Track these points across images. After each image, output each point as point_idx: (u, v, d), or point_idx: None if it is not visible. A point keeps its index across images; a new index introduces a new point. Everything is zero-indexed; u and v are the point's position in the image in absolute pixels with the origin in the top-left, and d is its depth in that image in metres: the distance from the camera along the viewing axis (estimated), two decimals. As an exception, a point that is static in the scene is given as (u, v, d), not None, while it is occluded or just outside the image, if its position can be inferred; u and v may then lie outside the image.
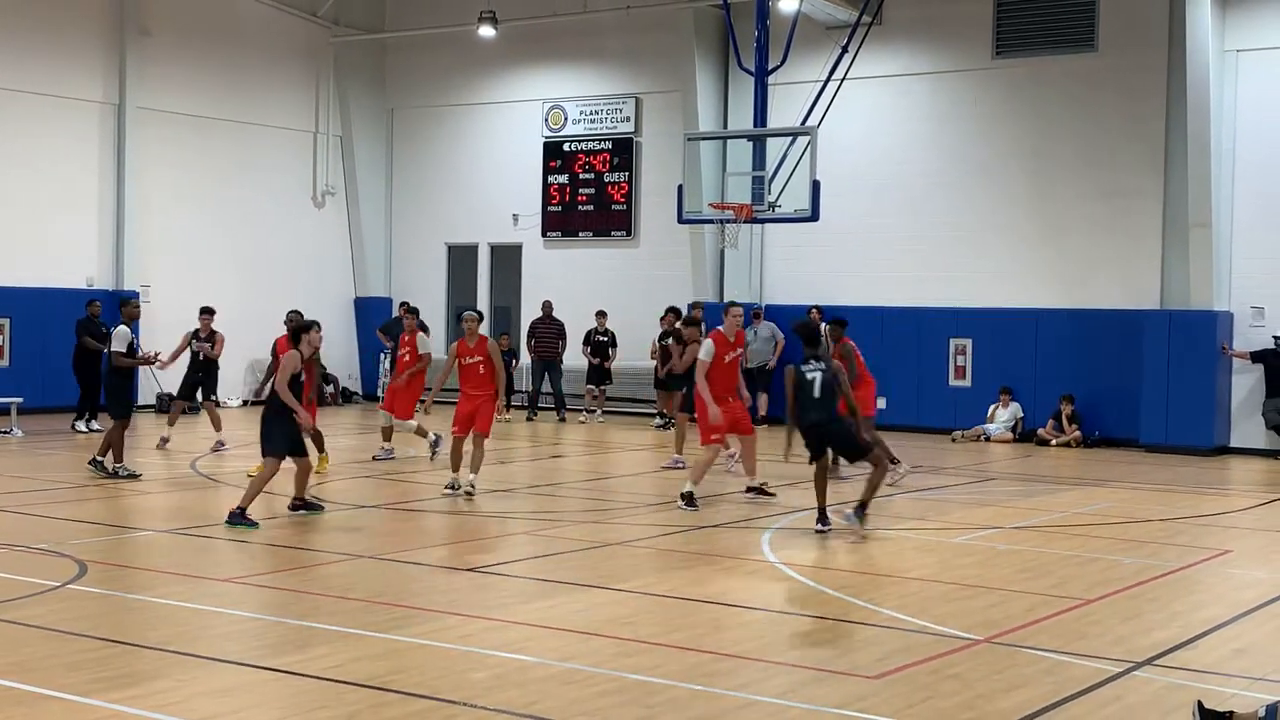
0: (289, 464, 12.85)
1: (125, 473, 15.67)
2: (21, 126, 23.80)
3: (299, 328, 13.38)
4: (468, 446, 14.66)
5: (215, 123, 26.58)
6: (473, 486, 14.53)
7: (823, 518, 12.62)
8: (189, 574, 10.42)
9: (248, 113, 27.17)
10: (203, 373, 19.34)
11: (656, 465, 17.92)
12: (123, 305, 17.26)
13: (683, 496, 14.14)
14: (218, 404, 19.80)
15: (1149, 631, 8.98)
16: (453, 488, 14.66)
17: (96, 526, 12.71)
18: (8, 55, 23.54)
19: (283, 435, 12.58)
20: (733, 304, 15.19)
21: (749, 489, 14.93)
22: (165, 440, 18.96)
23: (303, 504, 13.11)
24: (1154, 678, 7.83)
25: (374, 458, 17.86)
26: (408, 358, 17.90)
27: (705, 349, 14.39)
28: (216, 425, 18.86)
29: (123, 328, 16.48)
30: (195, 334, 19.21)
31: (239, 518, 12.28)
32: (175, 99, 25.92)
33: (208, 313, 19.44)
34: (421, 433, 17.82)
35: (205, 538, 12.17)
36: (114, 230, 25.18)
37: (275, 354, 16.92)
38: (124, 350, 16.29)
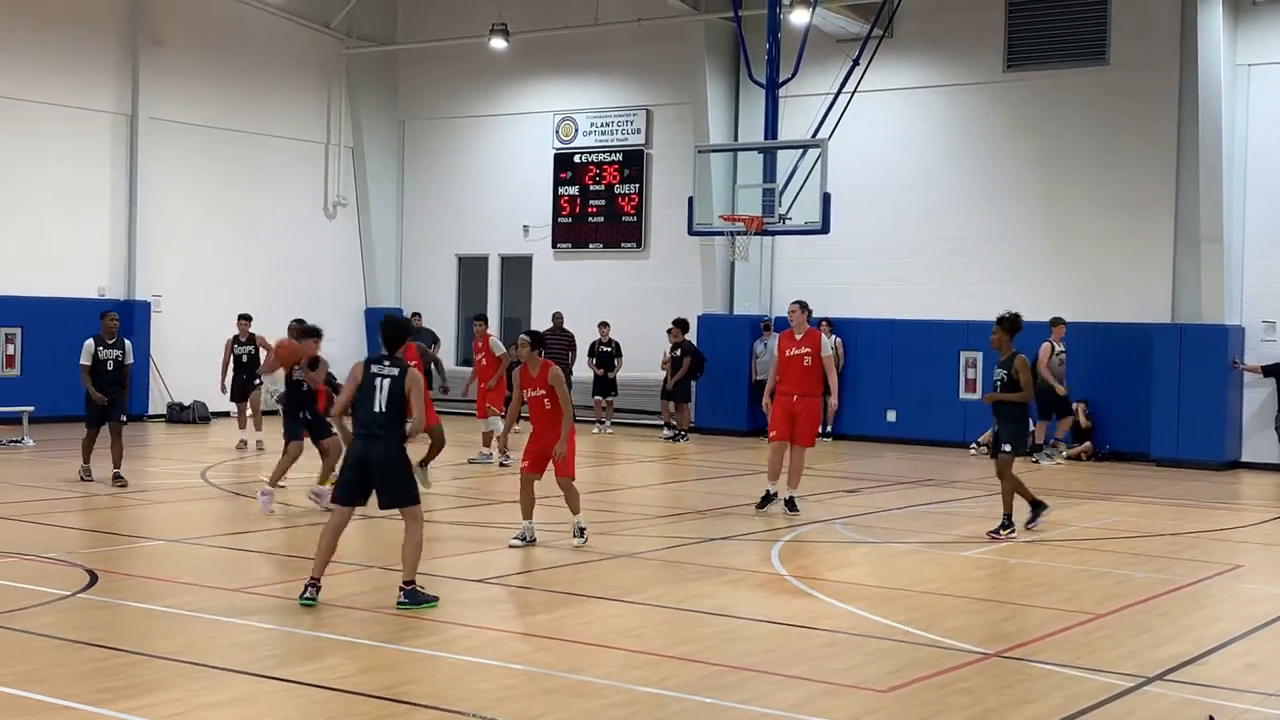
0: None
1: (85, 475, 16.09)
2: (35, 136, 23.87)
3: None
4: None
5: (227, 133, 26.64)
6: None
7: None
8: (199, 584, 10.43)
9: (260, 124, 27.24)
10: (246, 374, 20.41)
11: (667, 478, 17.87)
12: (100, 317, 16.68)
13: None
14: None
15: (1160, 646, 8.95)
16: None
17: (107, 536, 12.73)
18: (21, 66, 23.63)
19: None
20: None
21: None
22: (243, 443, 19.93)
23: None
24: (1165, 693, 7.81)
25: (470, 460, 18.82)
26: (484, 362, 18.97)
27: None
28: (258, 425, 20.24)
29: (89, 340, 16.27)
30: (235, 339, 20.53)
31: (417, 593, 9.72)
32: (188, 110, 25.98)
33: (245, 319, 20.92)
34: (489, 440, 18.79)
35: (215, 547, 12.18)
36: (126, 240, 25.24)
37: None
38: (88, 363, 16.13)
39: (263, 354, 20.01)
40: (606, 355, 25.09)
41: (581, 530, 12.44)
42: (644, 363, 25.22)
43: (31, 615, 9.05)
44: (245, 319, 21.03)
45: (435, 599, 9.64)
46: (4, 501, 14.61)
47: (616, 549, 12.45)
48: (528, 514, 12.31)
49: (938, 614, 9.86)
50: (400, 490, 9.63)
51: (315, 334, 14.62)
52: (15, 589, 9.88)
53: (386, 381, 9.57)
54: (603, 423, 25.06)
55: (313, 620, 9.20)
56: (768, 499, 14.75)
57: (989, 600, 10.34)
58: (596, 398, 25.19)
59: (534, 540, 12.29)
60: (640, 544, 12.73)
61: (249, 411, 20.54)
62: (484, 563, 11.83)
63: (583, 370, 25.56)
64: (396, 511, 9.78)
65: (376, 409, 9.55)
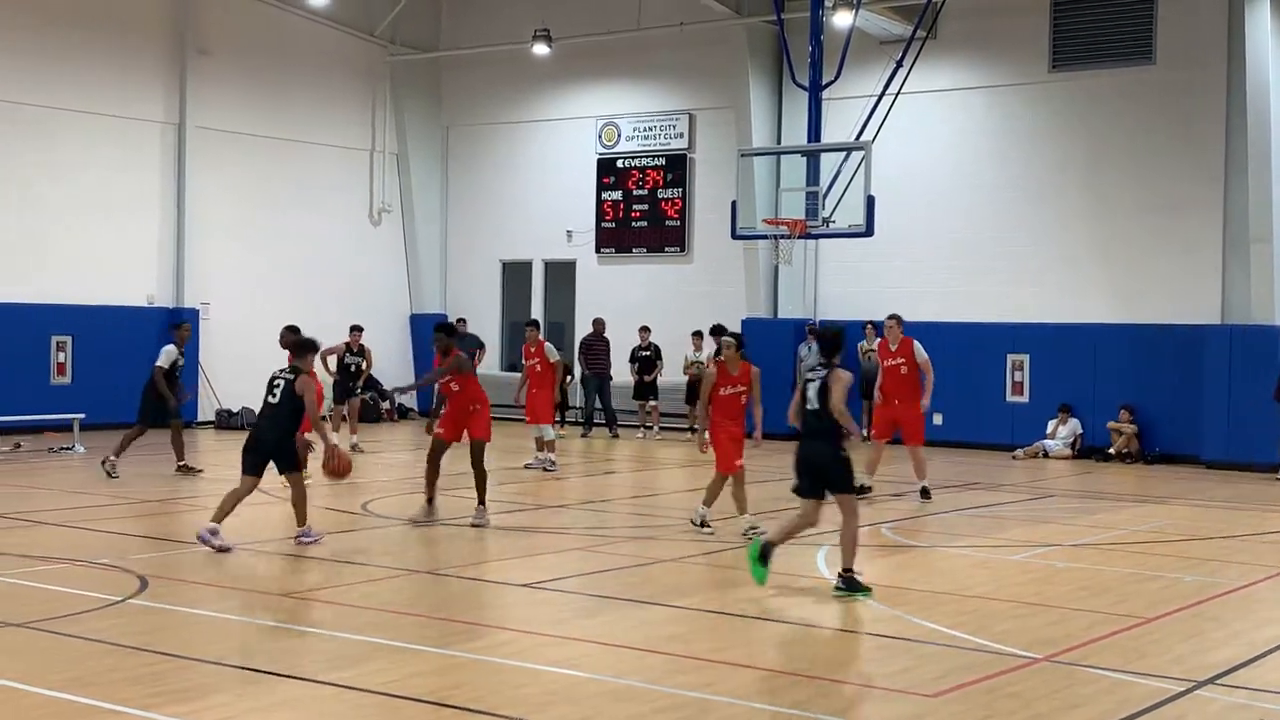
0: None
1: (112, 471, 16.93)
2: (84, 146, 24.13)
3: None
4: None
5: (273, 141, 26.86)
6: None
7: None
8: (248, 589, 10.51)
9: (305, 131, 27.44)
10: (352, 382, 21.24)
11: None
12: (175, 328, 17.92)
13: None
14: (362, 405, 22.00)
15: (1210, 650, 8.86)
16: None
17: (157, 541, 12.84)
18: (71, 76, 23.89)
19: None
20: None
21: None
22: (355, 446, 20.39)
23: None
24: (1215, 697, 7.73)
25: (526, 465, 18.89)
26: (539, 368, 19.10)
27: None
28: (353, 428, 21.04)
29: (170, 346, 17.41)
30: (347, 347, 21.26)
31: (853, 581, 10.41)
32: (234, 118, 26.21)
33: (358, 330, 21.69)
34: (551, 447, 18.93)
35: (264, 553, 12.27)
36: (174, 248, 25.49)
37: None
38: (166, 366, 17.25)
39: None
40: (647, 360, 25.11)
41: (754, 528, 12.94)
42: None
43: (84, 620, 9.14)
44: (358, 330, 21.79)
45: (869, 590, 10.22)
46: (56, 508, 14.79)
47: (661, 553, 12.46)
48: (709, 502, 13.58)
49: (985, 618, 9.80)
50: (839, 479, 10.46)
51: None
52: (67, 594, 9.99)
53: (815, 384, 10.53)
54: (649, 427, 25.08)
55: (358, 624, 9.26)
56: (862, 490, 15.48)
57: (1037, 604, 10.27)
58: (638, 402, 25.24)
59: (705, 523, 13.42)
60: (685, 548, 12.73)
61: (344, 414, 21.34)
62: (529, 567, 11.87)
63: (623, 375, 25.60)
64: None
65: (809, 408, 10.57)
